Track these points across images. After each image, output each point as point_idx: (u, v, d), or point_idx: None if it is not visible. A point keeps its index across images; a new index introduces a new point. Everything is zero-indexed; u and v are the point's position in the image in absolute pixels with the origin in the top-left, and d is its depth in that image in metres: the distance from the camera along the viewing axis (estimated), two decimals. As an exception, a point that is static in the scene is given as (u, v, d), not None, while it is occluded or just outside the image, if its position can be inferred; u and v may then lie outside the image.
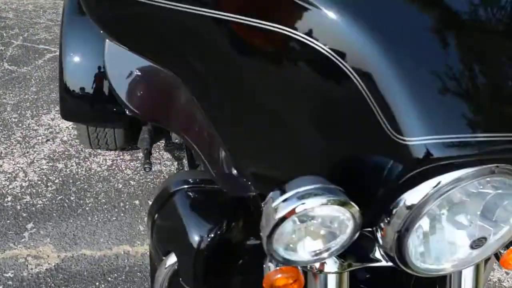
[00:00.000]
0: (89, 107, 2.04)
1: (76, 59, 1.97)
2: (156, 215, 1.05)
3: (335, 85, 0.71)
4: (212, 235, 0.97)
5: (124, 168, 2.43)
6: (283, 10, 0.70)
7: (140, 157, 2.52)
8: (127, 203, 2.22)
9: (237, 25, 0.73)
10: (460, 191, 0.69)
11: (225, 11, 0.72)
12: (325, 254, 0.75)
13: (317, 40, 0.68)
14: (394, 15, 0.70)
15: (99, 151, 2.49)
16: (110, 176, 2.36)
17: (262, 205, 0.73)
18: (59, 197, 2.21)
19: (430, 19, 0.72)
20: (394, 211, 0.71)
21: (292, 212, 0.68)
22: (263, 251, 0.76)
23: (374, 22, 0.67)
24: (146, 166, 2.07)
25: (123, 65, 1.04)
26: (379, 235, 0.76)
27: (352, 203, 0.70)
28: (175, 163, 2.50)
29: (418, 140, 0.64)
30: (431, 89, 0.66)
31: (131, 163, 2.47)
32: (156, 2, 0.77)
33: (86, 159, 2.46)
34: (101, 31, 0.93)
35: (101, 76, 1.98)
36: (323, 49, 0.68)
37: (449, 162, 0.66)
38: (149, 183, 2.35)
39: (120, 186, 2.31)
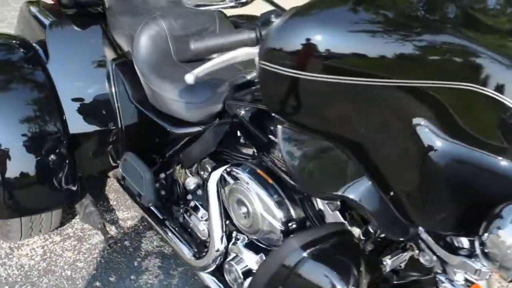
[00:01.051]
0: (24, 196, 1.73)
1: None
2: None
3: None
4: (355, 283, 1.01)
5: (61, 252, 2.10)
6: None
7: (70, 233, 2.20)
8: (88, 288, 1.93)
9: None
10: None
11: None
12: None
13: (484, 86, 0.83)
14: None
15: (19, 242, 2.11)
16: (50, 266, 2.02)
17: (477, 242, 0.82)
18: (5, 311, 1.82)
19: None
20: None
21: None
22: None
23: None
24: (110, 242, 1.83)
25: (298, 147, 1.06)
26: None
27: None
28: (113, 227, 2.25)
29: None
30: None
31: (65, 243, 2.14)
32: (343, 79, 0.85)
33: (10, 256, 2.06)
34: (276, 116, 1.01)
35: (6, 154, 1.69)
36: (490, 92, 0.82)
37: None
38: (99, 259, 2.07)
39: (69, 272, 1.99)
